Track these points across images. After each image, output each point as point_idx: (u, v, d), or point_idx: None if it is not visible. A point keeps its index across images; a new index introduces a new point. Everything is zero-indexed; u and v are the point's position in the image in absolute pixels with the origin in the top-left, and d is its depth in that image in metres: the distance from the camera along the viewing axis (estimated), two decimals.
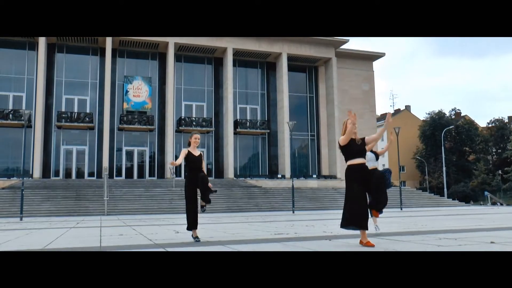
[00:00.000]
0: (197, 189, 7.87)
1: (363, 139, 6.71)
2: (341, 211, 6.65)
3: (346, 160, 6.59)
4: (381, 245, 6.33)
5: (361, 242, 6.39)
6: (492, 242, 6.41)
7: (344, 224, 6.43)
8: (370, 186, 6.51)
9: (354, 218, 6.28)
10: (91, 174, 39.13)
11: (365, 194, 6.42)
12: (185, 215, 8.10)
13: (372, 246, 6.18)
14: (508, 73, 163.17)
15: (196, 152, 7.98)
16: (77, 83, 39.83)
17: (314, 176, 43.44)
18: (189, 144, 8.05)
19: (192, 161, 7.90)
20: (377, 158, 9.34)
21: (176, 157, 40.35)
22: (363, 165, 6.53)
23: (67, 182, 35.70)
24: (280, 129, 43.00)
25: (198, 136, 8.03)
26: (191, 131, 41.39)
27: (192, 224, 7.81)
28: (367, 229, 6.29)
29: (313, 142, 45.81)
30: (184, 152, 7.92)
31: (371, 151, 9.05)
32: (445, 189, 49.99)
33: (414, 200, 38.07)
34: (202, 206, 7.95)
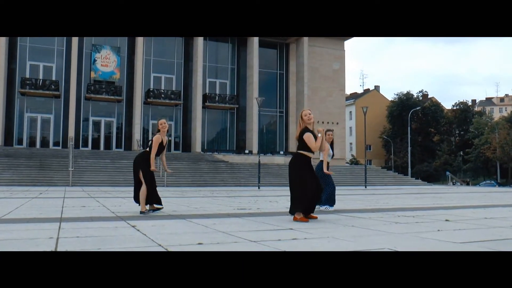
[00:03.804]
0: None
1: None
2: None
3: (303, 149, 6.71)
4: (341, 221, 6.47)
5: (298, 219, 6.68)
6: (446, 220, 6.63)
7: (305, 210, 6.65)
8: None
9: (313, 204, 6.64)
10: (56, 144, 38.41)
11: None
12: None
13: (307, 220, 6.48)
14: (475, 59, 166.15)
15: (165, 139, 8.05)
16: (43, 49, 38.68)
17: (281, 152, 43.74)
18: (158, 131, 7.98)
19: (161, 150, 8.05)
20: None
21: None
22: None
23: (31, 151, 34.95)
24: (249, 105, 42.93)
25: (164, 121, 8.01)
26: (159, 103, 41.00)
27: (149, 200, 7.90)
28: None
29: (281, 118, 45.98)
30: (157, 140, 7.88)
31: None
32: (409, 169, 50.98)
33: (379, 178, 38.76)
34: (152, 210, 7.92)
